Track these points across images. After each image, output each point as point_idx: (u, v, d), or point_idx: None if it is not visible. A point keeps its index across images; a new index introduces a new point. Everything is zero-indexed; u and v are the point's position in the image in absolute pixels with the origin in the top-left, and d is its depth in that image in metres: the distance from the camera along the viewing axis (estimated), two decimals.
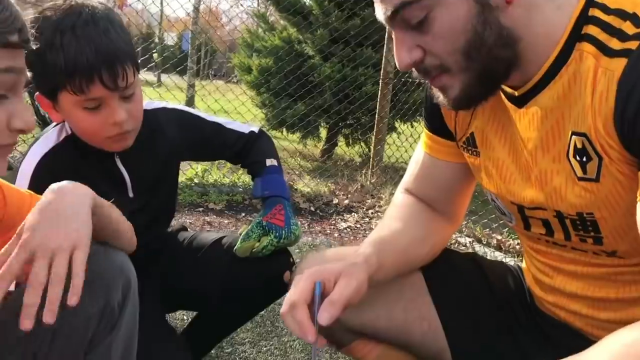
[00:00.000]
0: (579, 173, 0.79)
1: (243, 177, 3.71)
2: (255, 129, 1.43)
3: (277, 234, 1.25)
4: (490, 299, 1.06)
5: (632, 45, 0.69)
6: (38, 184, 1.08)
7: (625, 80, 0.69)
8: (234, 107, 4.84)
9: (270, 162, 1.37)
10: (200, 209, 3.40)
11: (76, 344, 0.86)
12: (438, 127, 1.02)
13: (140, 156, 1.21)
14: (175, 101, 4.72)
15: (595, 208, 0.79)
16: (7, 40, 0.71)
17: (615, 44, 0.71)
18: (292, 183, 3.75)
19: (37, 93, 1.08)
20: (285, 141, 5.59)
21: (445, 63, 0.78)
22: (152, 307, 1.29)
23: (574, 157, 0.78)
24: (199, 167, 3.73)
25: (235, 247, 1.24)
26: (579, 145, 0.77)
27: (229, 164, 3.97)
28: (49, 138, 1.13)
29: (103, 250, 0.88)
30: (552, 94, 0.79)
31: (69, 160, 1.13)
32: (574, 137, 0.77)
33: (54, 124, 1.17)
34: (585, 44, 0.74)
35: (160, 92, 4.41)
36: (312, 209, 3.62)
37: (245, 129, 1.42)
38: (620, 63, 0.69)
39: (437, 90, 0.84)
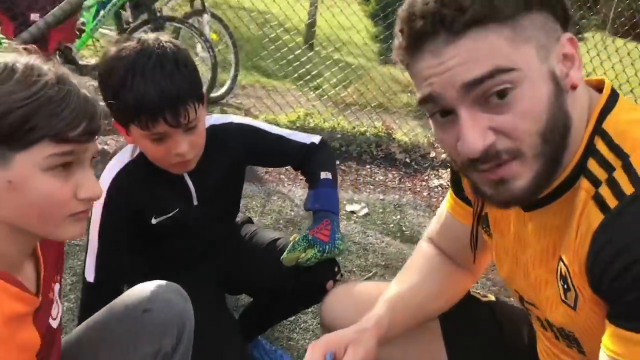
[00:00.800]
0: (562, 296, 0.80)
1: (342, 123, 3.79)
2: (316, 140, 1.51)
3: (321, 249, 1.35)
4: (502, 354, 1.10)
5: (612, 203, 0.67)
6: (113, 196, 1.27)
7: (597, 239, 0.68)
8: (350, 24, 4.71)
9: (324, 174, 1.45)
10: None
11: None
12: (459, 191, 1.04)
13: (206, 170, 1.35)
14: (295, 17, 4.68)
15: (575, 330, 0.81)
16: (66, 136, 0.76)
17: (604, 190, 0.69)
18: (390, 132, 3.77)
19: (114, 119, 1.24)
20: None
21: (521, 147, 0.69)
22: (211, 294, 1.49)
23: (560, 280, 0.79)
24: (302, 110, 3.85)
25: (282, 256, 1.37)
26: (563, 273, 0.78)
27: (329, 109, 4.05)
28: (124, 155, 1.31)
29: (166, 298, 1.02)
30: (554, 214, 0.79)
31: (141, 175, 1.30)
32: (560, 263, 0.78)
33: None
34: (584, 180, 0.73)
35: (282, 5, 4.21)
36: (408, 160, 3.63)
37: (306, 139, 1.49)
38: (598, 217, 0.68)
39: (485, 184, 0.75)
